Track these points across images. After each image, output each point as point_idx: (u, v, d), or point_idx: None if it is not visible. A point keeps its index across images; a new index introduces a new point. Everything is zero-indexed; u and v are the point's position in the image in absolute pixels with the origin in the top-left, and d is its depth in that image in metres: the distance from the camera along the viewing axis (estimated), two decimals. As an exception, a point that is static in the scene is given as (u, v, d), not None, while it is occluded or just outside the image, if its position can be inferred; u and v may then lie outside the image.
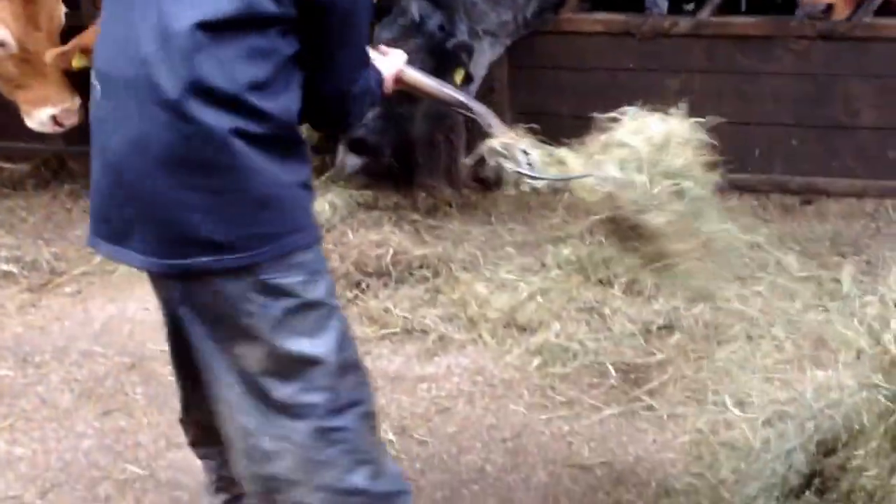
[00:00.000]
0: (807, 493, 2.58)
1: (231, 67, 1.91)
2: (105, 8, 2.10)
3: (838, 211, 4.24)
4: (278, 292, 2.00)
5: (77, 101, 3.92)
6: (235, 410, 2.07)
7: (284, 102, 2.00)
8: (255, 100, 1.94)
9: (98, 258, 4.00)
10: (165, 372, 3.37)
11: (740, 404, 3.12)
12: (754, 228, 4.19)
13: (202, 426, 2.37)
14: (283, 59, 1.99)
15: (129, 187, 1.97)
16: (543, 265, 4.03)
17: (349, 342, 2.15)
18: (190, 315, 2.06)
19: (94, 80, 2.05)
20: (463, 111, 2.51)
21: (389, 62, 2.38)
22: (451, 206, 4.62)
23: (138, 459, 2.96)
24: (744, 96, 4.30)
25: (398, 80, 2.39)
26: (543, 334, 3.54)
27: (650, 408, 3.17)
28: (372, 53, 2.30)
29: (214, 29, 1.91)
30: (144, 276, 3.91)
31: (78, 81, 3.93)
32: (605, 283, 3.85)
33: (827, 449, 2.59)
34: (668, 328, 3.56)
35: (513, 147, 2.35)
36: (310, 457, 2.06)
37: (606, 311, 3.66)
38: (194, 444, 2.49)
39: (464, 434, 3.10)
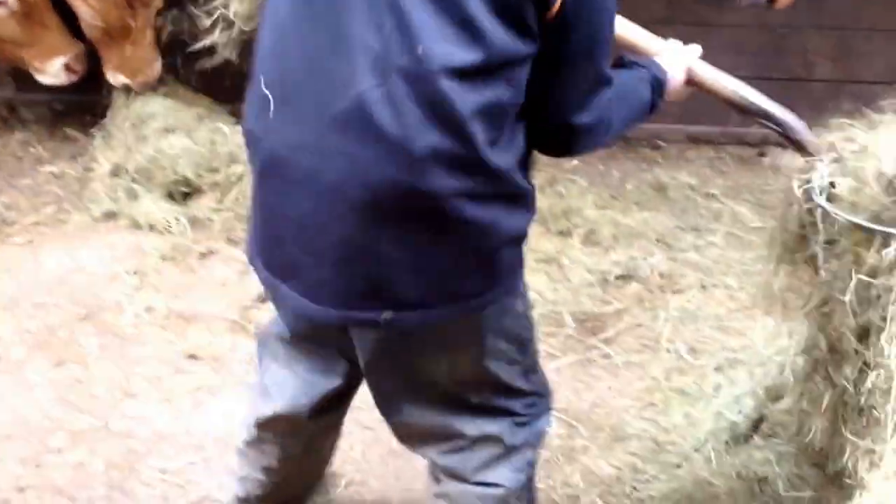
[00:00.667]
0: (755, 437, 2.63)
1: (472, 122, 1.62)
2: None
3: (793, 164, 4.26)
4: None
5: (80, 46, 3.88)
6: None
7: (514, 154, 1.73)
8: (491, 156, 1.66)
9: (50, 208, 3.97)
10: (120, 323, 3.36)
11: (693, 352, 3.16)
12: (710, 180, 4.23)
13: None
14: (515, 108, 1.70)
15: (314, 230, 1.73)
16: (502, 216, 4.04)
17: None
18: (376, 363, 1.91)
19: (264, 90, 1.74)
20: (765, 121, 2.02)
21: (679, 59, 2.02)
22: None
23: (92, 410, 2.94)
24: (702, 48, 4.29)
25: (689, 80, 2.02)
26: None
27: (606, 356, 3.20)
28: (661, 45, 1.99)
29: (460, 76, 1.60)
30: (98, 226, 3.97)
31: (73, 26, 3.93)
32: (565, 233, 3.86)
33: (775, 395, 2.64)
34: (625, 278, 3.59)
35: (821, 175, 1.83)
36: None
37: (565, 261, 3.67)
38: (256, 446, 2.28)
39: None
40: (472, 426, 1.97)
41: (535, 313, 3.35)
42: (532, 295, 3.44)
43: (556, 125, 1.75)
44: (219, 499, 2.57)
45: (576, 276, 3.59)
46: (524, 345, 1.96)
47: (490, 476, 2.00)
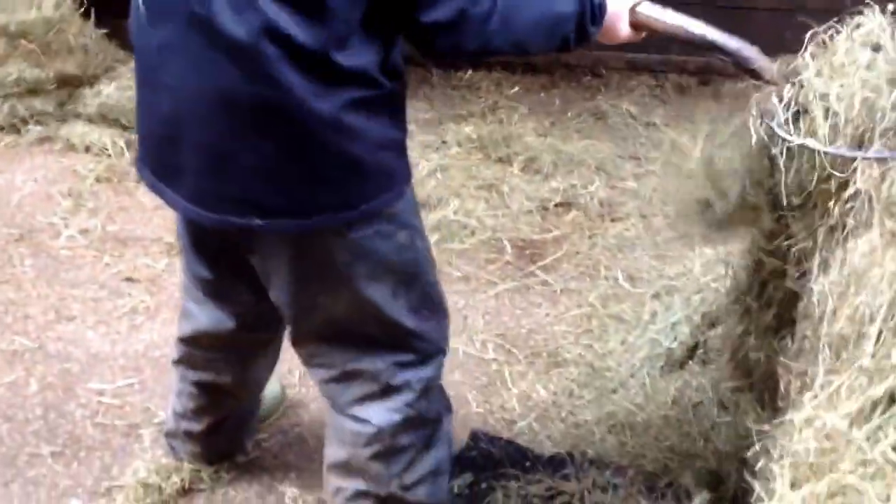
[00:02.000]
0: (690, 363, 2.68)
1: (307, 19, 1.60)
2: None
3: (734, 92, 4.29)
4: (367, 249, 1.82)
5: None
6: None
7: (371, 54, 1.67)
8: (340, 58, 1.62)
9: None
10: (54, 245, 3.31)
11: (631, 279, 3.20)
12: (651, 108, 4.25)
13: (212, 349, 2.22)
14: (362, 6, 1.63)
15: (188, 135, 1.72)
16: (444, 143, 4.03)
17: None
18: (263, 263, 1.86)
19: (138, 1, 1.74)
20: (716, 52, 1.89)
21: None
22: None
23: (27, 332, 2.90)
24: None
25: (634, 23, 1.87)
26: (442, 211, 3.55)
27: (544, 283, 3.23)
28: None
29: None
30: (33, 148, 3.88)
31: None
32: (505, 160, 3.88)
33: (711, 321, 2.69)
34: (565, 206, 3.61)
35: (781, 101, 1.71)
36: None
37: (505, 188, 3.69)
38: (185, 362, 2.29)
39: (360, 308, 3.12)
40: (350, 358, 1.93)
41: (475, 240, 3.41)
42: (472, 222, 3.49)
43: (407, 23, 1.68)
44: (157, 419, 2.57)
45: (515, 203, 3.61)
46: (410, 280, 1.89)
47: (362, 412, 1.96)
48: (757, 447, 1.46)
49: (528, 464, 2.45)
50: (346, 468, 1.99)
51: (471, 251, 3.38)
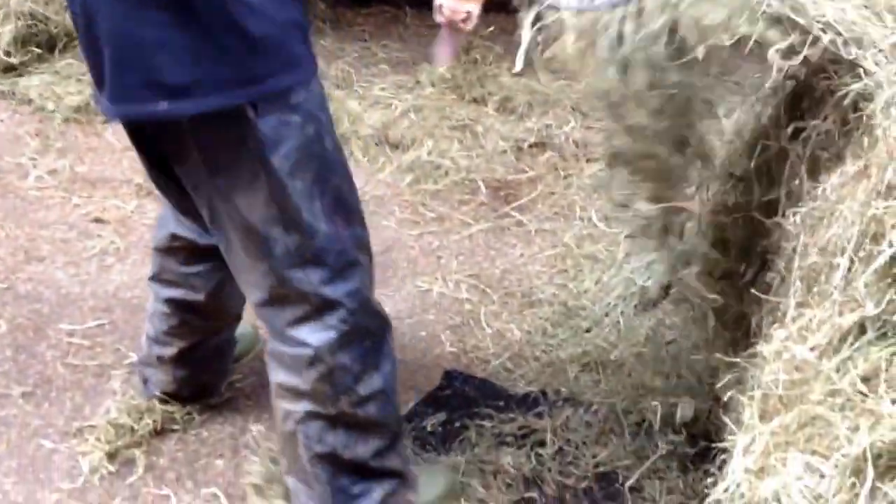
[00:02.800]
0: (664, 301, 2.69)
1: None
2: None
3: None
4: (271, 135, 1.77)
5: None
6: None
7: None
8: None
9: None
10: (23, 186, 3.27)
11: (606, 219, 3.19)
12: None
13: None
14: None
15: (100, 26, 1.70)
16: (418, 83, 3.99)
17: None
18: (178, 156, 1.83)
19: None
20: None
21: None
22: (324, 22, 4.50)
23: (-4, 273, 2.88)
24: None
25: None
26: (416, 151, 3.52)
27: (519, 223, 3.22)
28: None
29: None
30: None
31: None
32: (479, 101, 3.85)
33: (686, 260, 2.68)
34: (540, 146, 3.59)
35: None
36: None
37: (479, 128, 3.66)
38: (158, 277, 2.29)
39: (334, 249, 3.10)
40: (273, 275, 1.86)
41: (449, 180, 3.39)
42: (446, 162, 3.47)
43: None
44: (127, 360, 2.56)
45: (490, 143, 3.59)
46: (322, 180, 1.82)
47: (297, 334, 1.91)
48: (727, 378, 1.47)
49: (501, 403, 2.46)
50: (292, 392, 1.97)
51: (444, 192, 3.36)
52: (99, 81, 1.77)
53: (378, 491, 2.02)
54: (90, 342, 2.64)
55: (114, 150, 3.45)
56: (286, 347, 1.94)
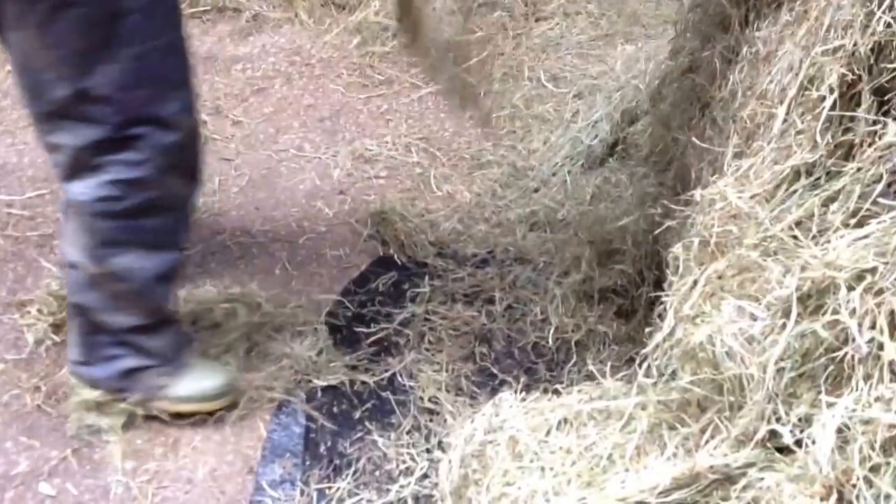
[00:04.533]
0: (610, 160, 2.68)
1: None
2: None
3: None
4: None
5: None
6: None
7: None
8: None
9: None
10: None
11: (554, 79, 3.16)
12: None
13: None
14: None
15: None
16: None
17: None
18: None
19: None
20: None
21: None
22: None
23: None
24: None
25: None
26: (363, 12, 3.44)
27: (468, 84, 3.17)
28: None
29: None
30: None
31: None
32: (426, -40, 3.74)
33: (631, 118, 2.68)
34: (489, 5, 3.53)
35: None
36: None
37: (427, -11, 3.57)
38: None
39: (281, 114, 3.05)
40: (49, 124, 1.77)
41: (396, 43, 3.32)
42: (393, 23, 3.39)
43: None
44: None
45: (438, 2, 3.50)
46: (106, 27, 1.65)
47: (72, 186, 1.83)
48: (667, 223, 1.48)
49: (451, 262, 2.47)
50: (68, 239, 1.94)
51: (393, 54, 3.30)
52: None
53: (127, 362, 2.01)
54: (30, 212, 2.60)
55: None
56: (66, 195, 1.86)
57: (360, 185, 2.77)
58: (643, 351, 1.38)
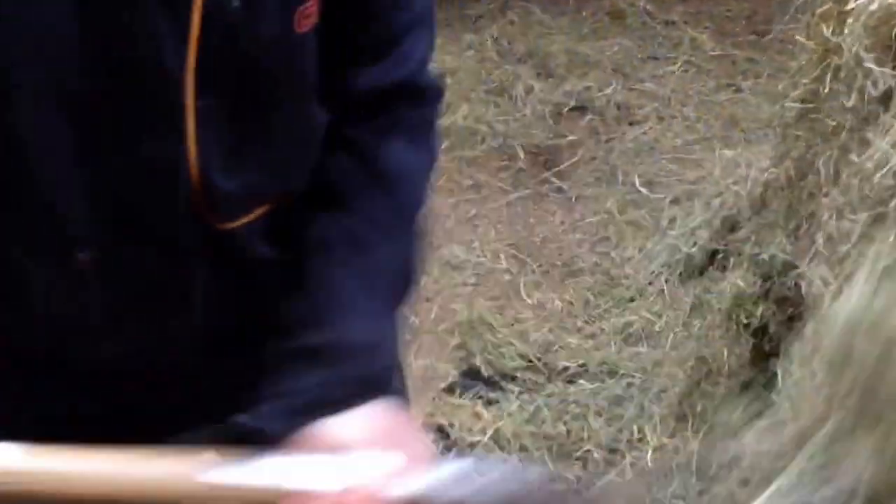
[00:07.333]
0: (710, 269, 2.59)
1: None
2: None
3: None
4: None
5: None
6: None
7: None
8: None
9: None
10: None
11: (649, 184, 3.09)
12: (669, 6, 4.08)
13: None
14: None
15: None
16: (452, 45, 3.89)
17: None
18: None
19: None
20: None
21: None
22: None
23: None
24: None
25: None
26: (451, 117, 3.42)
27: (559, 189, 3.12)
28: None
29: None
30: None
31: None
32: (516, 63, 3.73)
33: (732, 224, 2.58)
34: (580, 109, 3.48)
35: None
36: None
37: (517, 92, 3.55)
38: None
39: (367, 219, 3.03)
40: None
41: (486, 146, 3.30)
42: (482, 128, 3.38)
43: None
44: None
45: (528, 107, 3.48)
46: None
47: None
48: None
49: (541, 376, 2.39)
50: None
51: (482, 158, 3.27)
52: None
53: None
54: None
55: None
56: None
57: (446, 292, 2.71)
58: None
